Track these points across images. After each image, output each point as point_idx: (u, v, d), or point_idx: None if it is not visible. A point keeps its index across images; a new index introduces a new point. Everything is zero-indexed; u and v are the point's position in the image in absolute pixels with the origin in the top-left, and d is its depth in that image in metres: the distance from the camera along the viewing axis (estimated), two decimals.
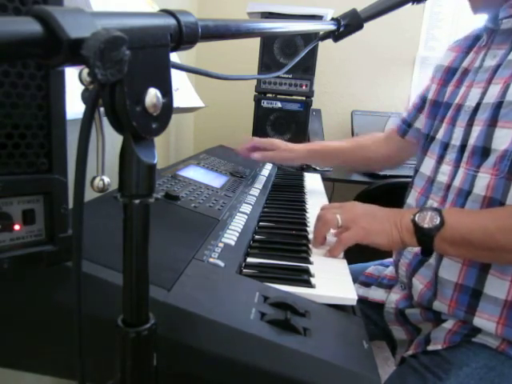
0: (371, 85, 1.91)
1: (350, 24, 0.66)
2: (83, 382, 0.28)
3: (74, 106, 0.39)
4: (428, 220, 0.61)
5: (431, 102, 0.83)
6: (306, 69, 1.45)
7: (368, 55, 1.88)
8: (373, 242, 0.63)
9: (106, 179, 0.30)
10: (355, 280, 0.93)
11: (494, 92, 0.67)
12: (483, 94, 0.69)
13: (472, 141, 0.68)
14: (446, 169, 0.74)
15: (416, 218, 0.62)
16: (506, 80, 0.65)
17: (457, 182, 0.70)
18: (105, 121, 0.27)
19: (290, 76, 1.46)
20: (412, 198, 0.83)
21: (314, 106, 1.53)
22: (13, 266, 0.35)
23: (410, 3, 0.66)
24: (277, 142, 1.06)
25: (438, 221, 0.60)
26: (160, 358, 0.31)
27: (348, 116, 1.82)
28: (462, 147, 0.71)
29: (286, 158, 1.06)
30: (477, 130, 0.68)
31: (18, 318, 0.42)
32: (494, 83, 0.68)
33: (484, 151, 0.66)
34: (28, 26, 0.20)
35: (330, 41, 0.68)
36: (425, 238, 0.61)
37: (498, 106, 0.65)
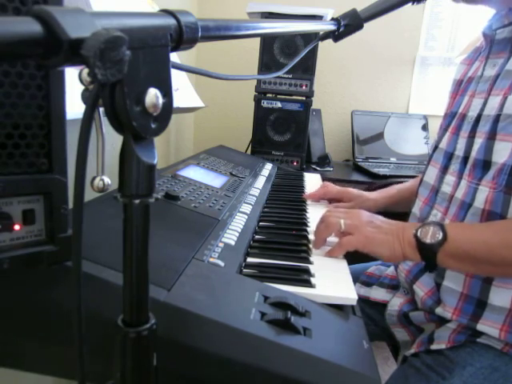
0: (371, 85, 1.91)
1: (350, 24, 0.66)
2: (83, 382, 0.28)
3: (74, 106, 0.39)
4: (430, 235, 0.60)
5: (444, 116, 0.84)
6: (306, 69, 1.45)
7: (368, 55, 1.88)
8: (373, 251, 0.63)
9: (106, 179, 0.30)
10: (356, 280, 0.93)
11: (493, 104, 0.67)
12: (484, 104, 0.69)
13: (474, 153, 0.68)
14: (450, 179, 0.74)
15: (418, 233, 0.61)
16: (506, 92, 0.65)
17: (459, 194, 0.70)
18: (105, 121, 0.27)
19: (290, 76, 1.46)
20: (416, 208, 0.83)
21: (314, 105, 1.53)
22: (13, 266, 0.35)
23: (410, 3, 0.66)
24: (352, 191, 0.99)
25: (440, 236, 0.59)
26: (160, 358, 0.31)
27: (348, 116, 1.82)
28: (465, 159, 0.71)
29: (368, 210, 0.87)
30: (478, 143, 0.68)
31: (18, 317, 0.42)
32: (493, 94, 0.68)
33: (485, 164, 0.66)
34: (28, 26, 0.20)
35: (329, 41, 0.68)
36: (427, 254, 0.60)
37: (497, 119, 0.65)
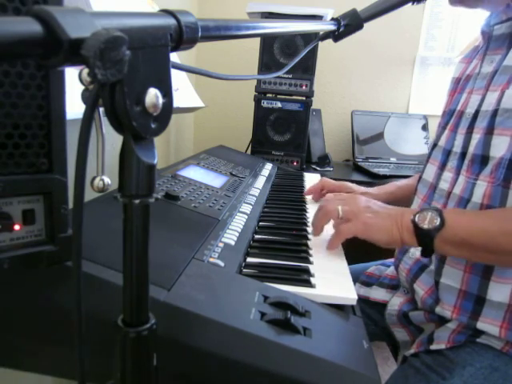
0: (371, 85, 1.91)
1: (350, 24, 0.66)
2: (83, 382, 0.28)
3: (74, 106, 0.39)
4: (428, 221, 0.60)
5: (442, 114, 0.84)
6: (306, 69, 1.45)
7: (368, 55, 1.88)
8: (371, 237, 0.63)
9: (106, 179, 0.30)
10: (356, 280, 0.93)
11: (491, 99, 0.67)
12: (481, 101, 0.69)
13: (471, 149, 0.69)
14: (447, 176, 0.74)
15: (416, 219, 0.61)
16: (503, 87, 0.65)
17: (457, 190, 0.70)
18: (105, 121, 0.27)
19: (290, 76, 1.46)
20: (415, 205, 0.83)
21: (314, 105, 1.53)
22: (13, 266, 0.35)
23: (410, 3, 0.66)
24: (351, 185, 0.99)
25: (438, 222, 0.59)
26: (160, 358, 0.31)
27: (348, 116, 1.82)
28: (463, 154, 0.71)
29: None
30: (476, 138, 0.68)
31: (18, 318, 0.42)
32: (491, 90, 0.68)
33: (483, 159, 0.66)
34: (28, 25, 0.20)
35: (329, 41, 0.68)
36: (425, 239, 0.60)
37: (494, 113, 0.65)
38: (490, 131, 0.65)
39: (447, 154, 0.76)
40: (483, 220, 0.61)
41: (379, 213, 0.65)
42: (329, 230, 0.68)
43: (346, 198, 0.69)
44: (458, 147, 0.73)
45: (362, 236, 0.63)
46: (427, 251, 0.62)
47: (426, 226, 0.60)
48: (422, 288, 0.74)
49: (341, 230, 0.63)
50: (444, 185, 0.74)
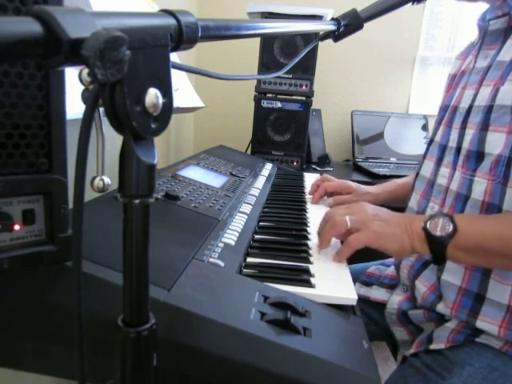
0: (371, 85, 1.91)
1: (350, 24, 0.66)
2: (83, 382, 0.28)
3: (74, 106, 0.39)
4: (440, 227, 0.58)
5: (439, 110, 0.84)
6: (306, 69, 1.45)
7: (368, 55, 1.88)
8: (382, 246, 0.60)
9: (106, 179, 0.30)
10: (356, 279, 0.93)
11: (484, 94, 0.67)
12: (475, 96, 0.69)
13: (466, 144, 0.68)
14: (444, 171, 0.74)
15: (427, 226, 0.59)
16: (496, 82, 0.65)
17: (454, 186, 0.70)
18: (105, 121, 0.27)
19: (290, 76, 1.45)
20: (413, 202, 0.83)
21: (314, 105, 1.53)
22: (13, 266, 0.35)
23: (410, 3, 0.66)
24: (351, 184, 0.99)
25: (450, 228, 0.58)
26: (160, 358, 0.31)
27: (348, 116, 1.82)
28: (458, 150, 0.71)
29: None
30: (470, 134, 0.68)
31: (18, 317, 0.42)
32: (484, 85, 0.68)
33: (478, 155, 0.66)
34: (28, 25, 0.20)
35: (329, 41, 0.68)
36: (437, 246, 0.59)
37: (489, 109, 0.65)
38: (484, 127, 0.65)
39: (443, 149, 0.76)
40: (496, 224, 0.59)
41: (388, 221, 0.62)
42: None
43: (352, 207, 0.66)
44: (453, 142, 0.73)
45: (372, 245, 0.60)
46: (439, 259, 0.60)
47: (438, 233, 0.58)
48: (424, 284, 0.74)
49: (351, 241, 0.60)
50: (442, 180, 0.74)
